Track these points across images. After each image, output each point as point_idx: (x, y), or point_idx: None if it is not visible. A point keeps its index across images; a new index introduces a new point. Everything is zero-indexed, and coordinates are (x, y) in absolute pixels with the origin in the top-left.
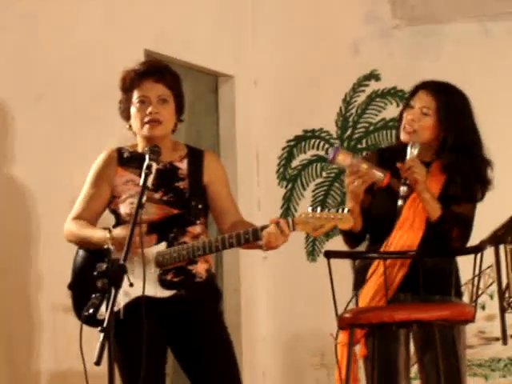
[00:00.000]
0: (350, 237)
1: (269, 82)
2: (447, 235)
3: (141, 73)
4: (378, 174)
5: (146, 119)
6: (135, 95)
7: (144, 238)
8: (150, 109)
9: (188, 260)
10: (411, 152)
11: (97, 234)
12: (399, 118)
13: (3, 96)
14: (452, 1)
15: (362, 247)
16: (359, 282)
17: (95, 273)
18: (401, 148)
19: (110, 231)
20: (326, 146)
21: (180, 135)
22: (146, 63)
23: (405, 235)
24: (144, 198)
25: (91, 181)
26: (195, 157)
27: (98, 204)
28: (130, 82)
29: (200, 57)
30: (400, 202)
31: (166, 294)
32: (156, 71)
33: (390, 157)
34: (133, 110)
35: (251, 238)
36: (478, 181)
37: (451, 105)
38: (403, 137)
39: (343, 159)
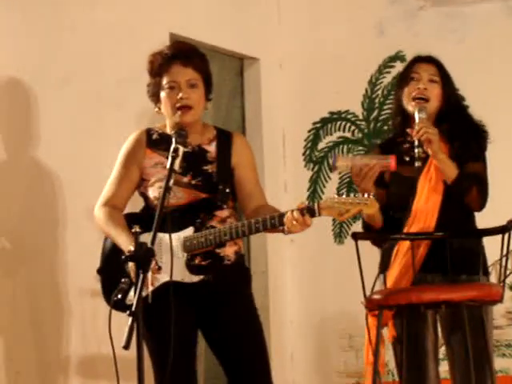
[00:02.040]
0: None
1: (294, 65)
2: (467, 194)
3: (169, 57)
4: (384, 162)
5: (177, 105)
6: (164, 80)
7: None
8: (180, 94)
9: (215, 245)
10: (419, 116)
11: (121, 238)
12: (397, 97)
13: (29, 80)
14: None
15: None
16: (385, 263)
17: (123, 257)
18: (400, 136)
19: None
20: (353, 127)
21: (205, 119)
22: (173, 46)
23: (422, 216)
24: (171, 182)
25: (121, 163)
26: (224, 139)
27: (127, 186)
28: (159, 66)
29: (225, 40)
30: (417, 164)
31: (194, 279)
32: (184, 55)
33: (391, 147)
34: (163, 95)
35: (277, 222)
36: (479, 139)
37: (447, 73)
38: (413, 106)
39: (343, 164)
